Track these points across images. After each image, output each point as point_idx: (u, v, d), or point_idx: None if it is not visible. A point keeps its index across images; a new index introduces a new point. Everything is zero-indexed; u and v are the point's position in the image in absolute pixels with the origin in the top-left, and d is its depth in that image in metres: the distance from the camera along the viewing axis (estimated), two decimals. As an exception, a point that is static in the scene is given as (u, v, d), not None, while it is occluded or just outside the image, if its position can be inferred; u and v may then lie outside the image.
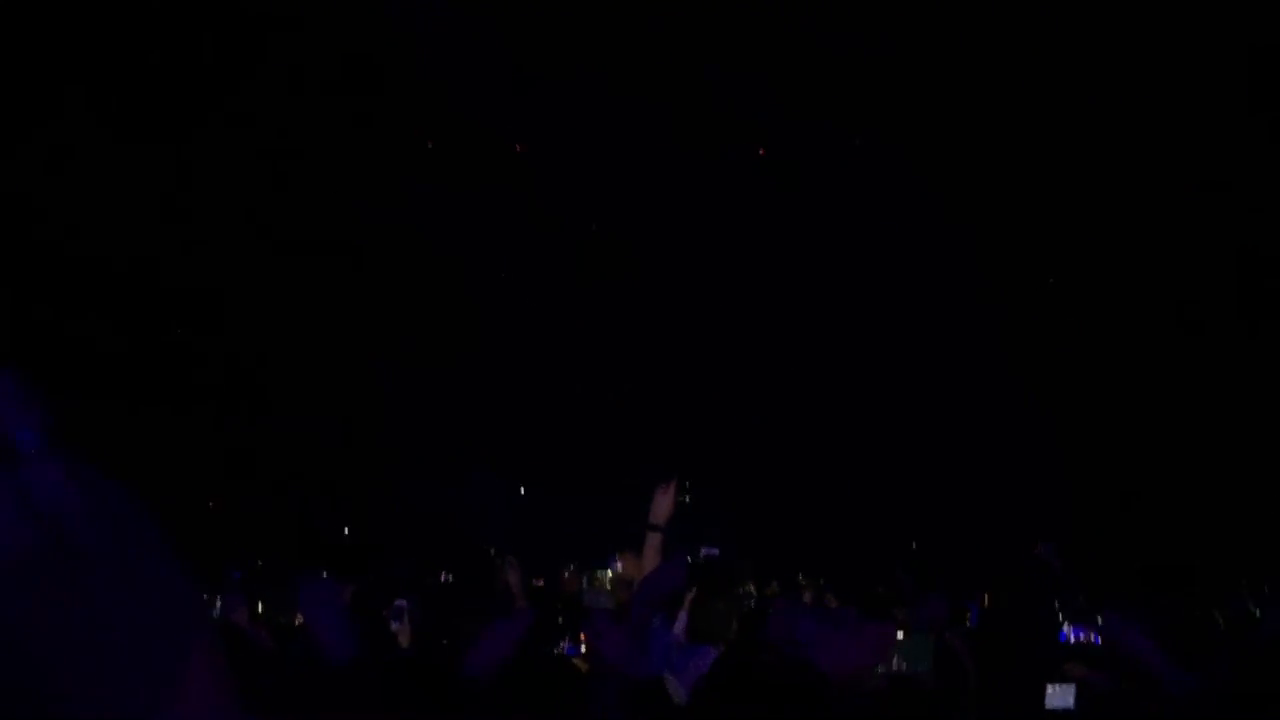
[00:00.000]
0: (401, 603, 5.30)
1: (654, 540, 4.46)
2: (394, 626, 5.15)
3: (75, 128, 13.94)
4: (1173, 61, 14.82)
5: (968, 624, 6.73)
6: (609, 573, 6.39)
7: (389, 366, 17.34)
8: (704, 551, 5.01)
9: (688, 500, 4.62)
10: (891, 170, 16.39)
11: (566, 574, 9.13)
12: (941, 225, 16.36)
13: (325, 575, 9.18)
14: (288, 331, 16.93)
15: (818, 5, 15.68)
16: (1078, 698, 3.19)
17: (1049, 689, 3.38)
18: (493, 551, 8.52)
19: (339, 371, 17.26)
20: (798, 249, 17.39)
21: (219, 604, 7.03)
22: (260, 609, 7.66)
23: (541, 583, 9.99)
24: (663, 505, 4.51)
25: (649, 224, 17.47)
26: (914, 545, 15.81)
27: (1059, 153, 16.23)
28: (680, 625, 4.33)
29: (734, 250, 17.43)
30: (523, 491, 18.83)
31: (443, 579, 11.03)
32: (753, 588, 8.47)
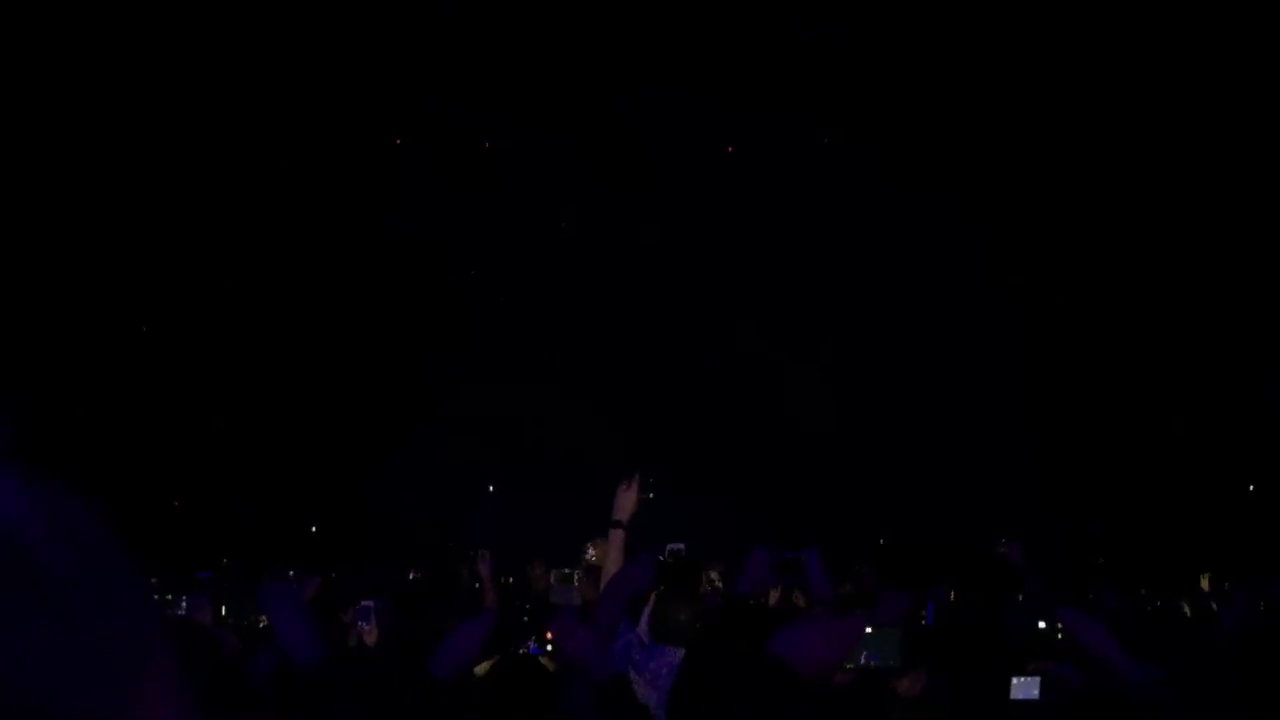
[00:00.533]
0: (369, 603, 5.26)
1: (616, 537, 4.45)
2: (361, 627, 5.11)
3: (43, 129, 13.81)
4: (1173, 61, 14.93)
5: (923, 621, 6.77)
6: (577, 572, 6.36)
7: (357, 364, 17.27)
8: (670, 547, 4.98)
9: (652, 497, 4.59)
10: (877, 166, 16.43)
11: (537, 570, 9.09)
12: (919, 219, 16.42)
13: (290, 574, 9.12)
14: (257, 329, 16.84)
15: (814, 4, 15.72)
16: (1043, 689, 3.22)
17: (1014, 681, 3.40)
18: (468, 550, 8.48)
19: (307, 369, 17.18)
20: (768, 241, 17.43)
21: (184, 604, 6.96)
22: (224, 611, 7.57)
23: (510, 580, 9.96)
24: (625, 502, 4.50)
25: (618, 220, 17.47)
26: (881, 542, 15.89)
27: (1056, 153, 16.33)
28: (643, 625, 4.33)
29: (703, 243, 17.46)
30: (491, 490, 18.80)
31: (410, 577, 11.00)
32: (716, 578, 8.48)
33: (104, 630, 0.64)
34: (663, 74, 16.19)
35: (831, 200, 16.75)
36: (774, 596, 8.31)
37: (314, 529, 17.72)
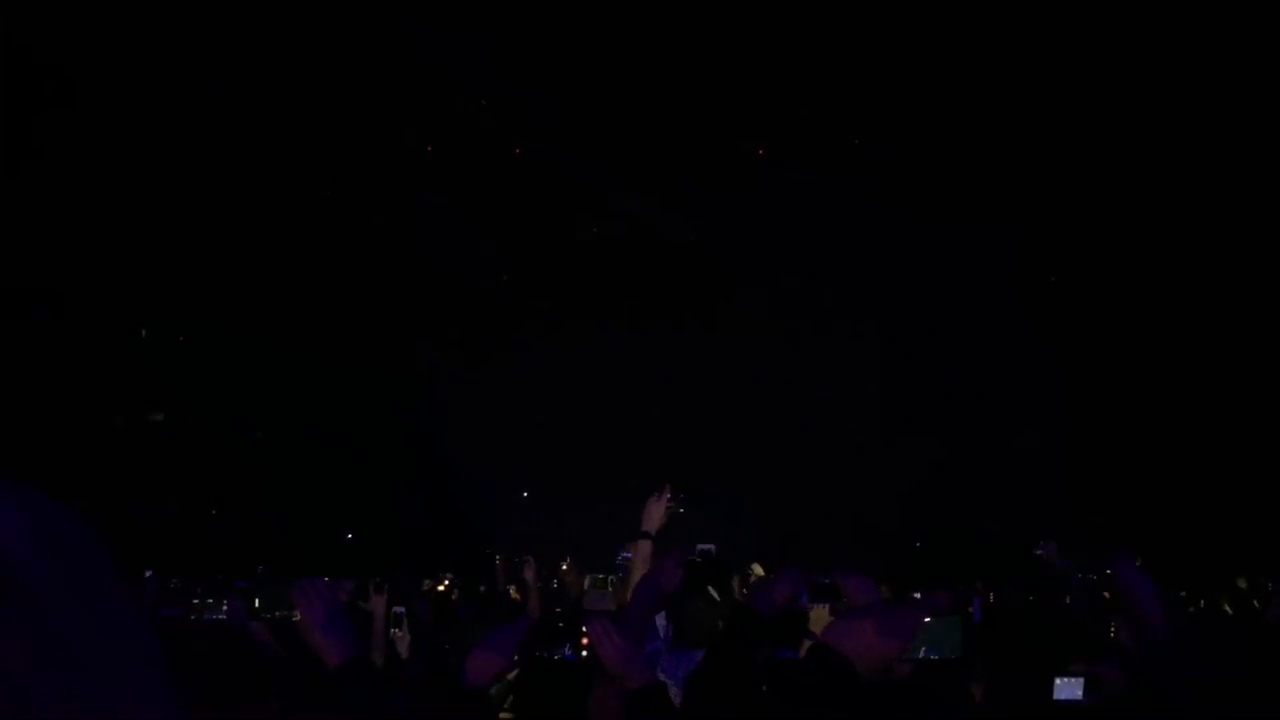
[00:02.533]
0: (400, 609, 5.25)
1: (644, 548, 4.41)
2: (393, 633, 5.10)
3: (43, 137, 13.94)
4: (1172, 61, 14.79)
5: (971, 617, 6.71)
6: (611, 577, 6.33)
7: (394, 373, 17.35)
8: (700, 548, 4.94)
9: (682, 511, 4.54)
10: (892, 170, 16.37)
11: (565, 567, 9.06)
12: (938, 226, 16.35)
13: (325, 579, 9.14)
14: (291, 338, 16.95)
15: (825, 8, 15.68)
16: (1086, 690, 3.17)
17: (1057, 681, 3.35)
18: (514, 558, 8.48)
19: (345, 378, 17.27)
20: (796, 249, 17.38)
21: (224, 607, 6.98)
22: (257, 604, 7.58)
23: (544, 585, 9.93)
24: (655, 512, 4.45)
25: (647, 232, 17.49)
26: (918, 545, 15.80)
27: (1058, 154, 16.21)
28: (665, 628, 4.29)
29: (730, 252, 17.43)
30: (525, 495, 18.83)
31: (445, 584, 11.00)
32: (736, 583, 8.44)
33: (89, 642, 0.63)
34: (693, 81, 16.20)
35: (864, 205, 16.69)
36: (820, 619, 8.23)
37: (349, 536, 17.81)
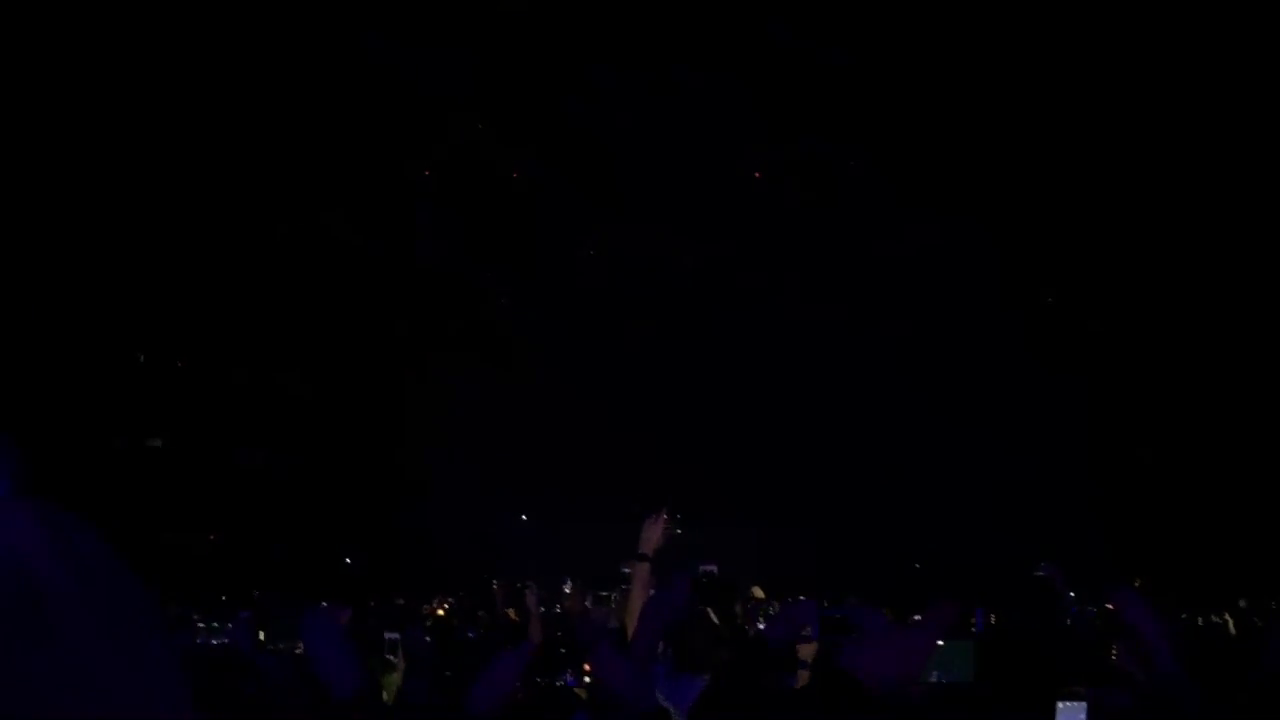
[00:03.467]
0: (393, 635, 5.22)
1: (642, 571, 4.39)
2: (388, 660, 5.08)
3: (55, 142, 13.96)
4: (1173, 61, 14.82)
5: (973, 629, 6.70)
6: (613, 594, 6.31)
7: (393, 397, 17.35)
8: (702, 568, 4.91)
9: (680, 532, 4.52)
10: (893, 176, 16.38)
11: (569, 592, 9.05)
12: (941, 235, 16.36)
13: (324, 604, 9.13)
14: (290, 362, 16.95)
15: (818, 15, 15.71)
16: (1090, 714, 3.17)
17: (1060, 705, 3.34)
18: (516, 583, 8.46)
19: (343, 402, 17.27)
20: (798, 268, 17.40)
21: (229, 630, 6.98)
22: (263, 636, 7.60)
23: (544, 610, 9.91)
24: (652, 534, 4.43)
25: (649, 244, 17.50)
26: (917, 566, 15.77)
27: (1057, 159, 16.22)
28: (663, 651, 4.27)
29: (732, 273, 17.45)
30: (524, 518, 18.80)
31: (444, 609, 10.98)
32: (737, 607, 8.39)
33: (111, 656, 0.64)
34: (689, 88, 16.23)
35: (861, 220, 16.71)
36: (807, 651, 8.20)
37: (347, 560, 17.76)
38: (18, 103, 13.05)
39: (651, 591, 4.19)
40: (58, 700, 0.62)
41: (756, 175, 17.77)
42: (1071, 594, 5.86)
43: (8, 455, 0.82)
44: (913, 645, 2.22)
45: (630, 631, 4.23)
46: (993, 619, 8.74)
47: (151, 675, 0.67)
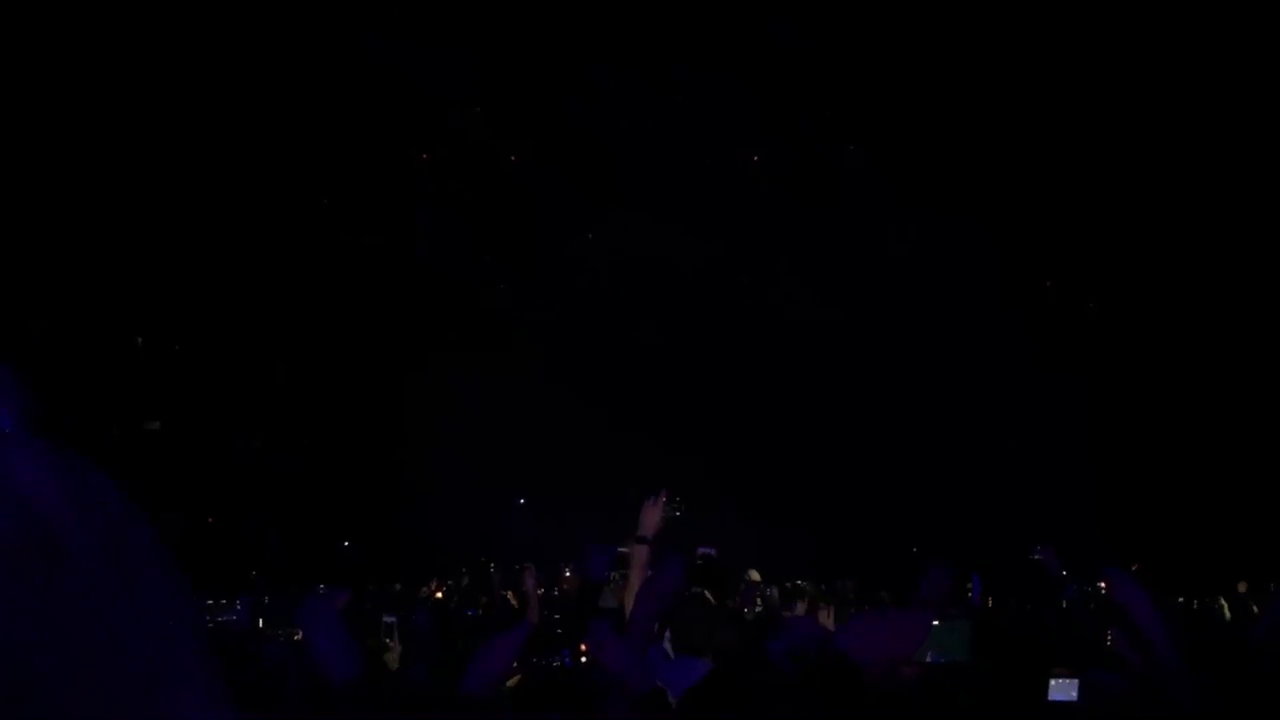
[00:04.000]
0: (390, 619, 5.23)
1: (641, 553, 4.40)
2: (384, 642, 5.08)
3: (69, 133, 13.95)
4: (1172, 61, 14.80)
5: (969, 594, 6.71)
6: (614, 574, 6.29)
7: (390, 381, 17.35)
8: (700, 551, 4.92)
9: (679, 515, 4.53)
10: (889, 174, 16.38)
11: (568, 575, 9.07)
12: (937, 231, 16.35)
13: (320, 588, 9.16)
14: (287, 347, 16.95)
15: (816, 10, 15.68)
16: (1081, 693, 3.19)
17: (1052, 683, 3.36)
18: (514, 565, 8.48)
19: (341, 386, 17.27)
20: (793, 252, 17.38)
21: (231, 614, 7.00)
22: (261, 624, 7.63)
23: (543, 592, 9.93)
24: (651, 517, 4.45)
25: (647, 234, 17.48)
26: (914, 550, 15.78)
27: (1058, 155, 16.21)
28: (665, 635, 4.28)
29: (725, 254, 17.43)
30: (522, 502, 18.82)
31: (442, 592, 11.00)
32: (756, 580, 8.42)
33: (123, 601, 0.64)
34: (689, 84, 16.21)
35: (865, 216, 16.71)
36: (802, 607, 8.24)
37: (345, 544, 17.79)
38: (17, 91, 13.02)
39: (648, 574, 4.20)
40: (66, 636, 0.61)
41: (754, 159, 17.75)
42: (1065, 574, 5.86)
43: (13, 391, 0.82)
44: (906, 625, 2.22)
45: (628, 613, 4.24)
46: (990, 602, 8.77)
47: (161, 615, 0.66)
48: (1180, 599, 11.41)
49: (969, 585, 6.41)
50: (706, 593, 5.01)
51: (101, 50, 13.58)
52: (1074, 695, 3.24)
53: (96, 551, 0.64)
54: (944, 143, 16.16)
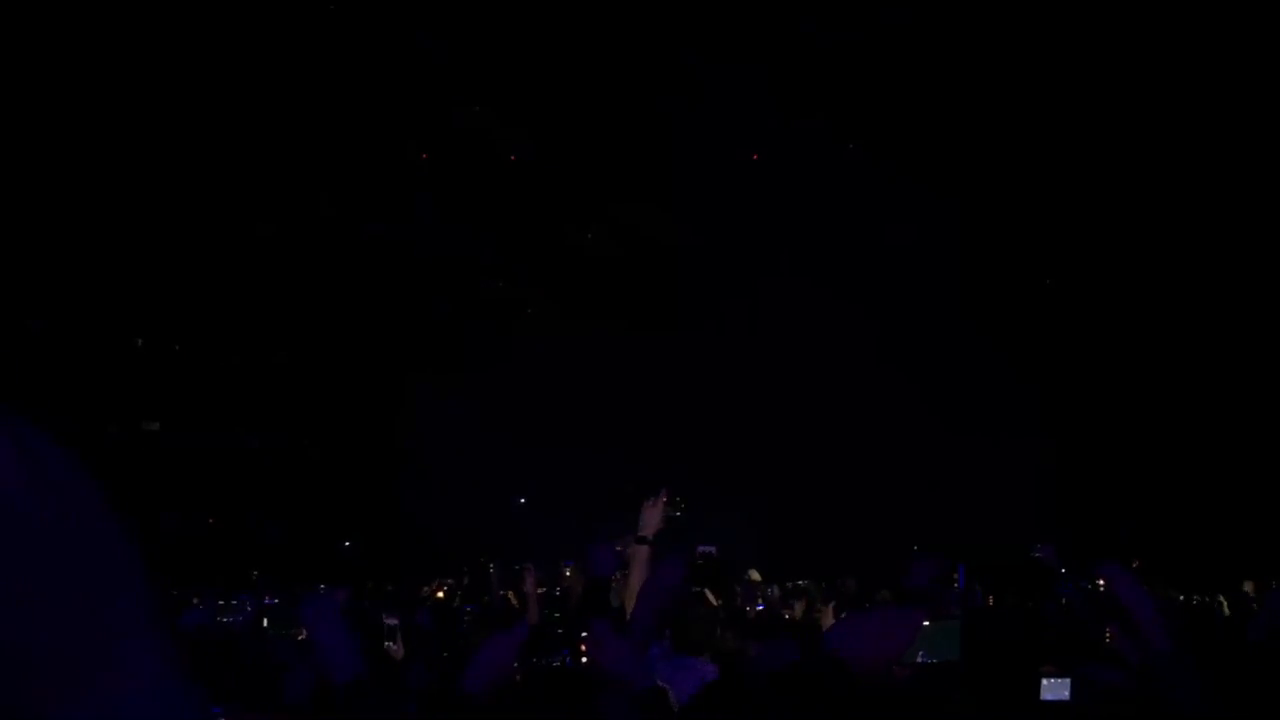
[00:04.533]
0: (393, 621, 5.23)
1: (641, 553, 4.41)
2: (387, 646, 5.08)
3: (65, 131, 13.94)
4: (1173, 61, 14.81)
5: (955, 585, 6.72)
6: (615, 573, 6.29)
7: (389, 380, 17.35)
8: (700, 549, 4.93)
9: (679, 515, 4.54)
10: (886, 171, 16.37)
11: (569, 574, 9.06)
12: (936, 228, 16.35)
13: (321, 588, 9.17)
14: (287, 345, 16.96)
15: (815, 6, 15.67)
16: (1074, 691, 3.19)
17: (1044, 682, 3.36)
18: (513, 565, 8.48)
19: (340, 384, 17.28)
20: (791, 254, 17.39)
21: (234, 617, 7.00)
22: (265, 623, 7.63)
23: (543, 591, 9.95)
24: (651, 517, 4.46)
25: (647, 228, 17.50)
26: (915, 548, 15.77)
27: (1056, 152, 16.21)
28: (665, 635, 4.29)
29: (724, 256, 17.43)
30: (522, 502, 18.82)
31: (443, 591, 11.00)
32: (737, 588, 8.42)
33: (81, 575, 0.63)
34: (687, 77, 16.20)
35: (852, 205, 16.70)
36: (799, 609, 8.25)
37: (346, 543, 17.80)
38: (15, 88, 13.03)
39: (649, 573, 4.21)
40: (26, 626, 0.60)
41: (754, 157, 17.75)
42: (1063, 571, 5.89)
43: None
44: (895, 624, 2.22)
45: (629, 613, 4.26)
46: (990, 601, 8.78)
47: (123, 596, 0.65)
48: (1180, 596, 11.41)
49: (955, 576, 6.43)
50: (707, 592, 5.03)
51: (99, 45, 13.59)
52: (1066, 695, 3.25)
53: (53, 523, 0.63)
54: (943, 140, 16.16)
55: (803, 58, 16.02)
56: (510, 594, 8.45)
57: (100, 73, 13.75)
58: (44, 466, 0.65)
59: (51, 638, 0.61)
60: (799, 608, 8.18)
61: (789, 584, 10.63)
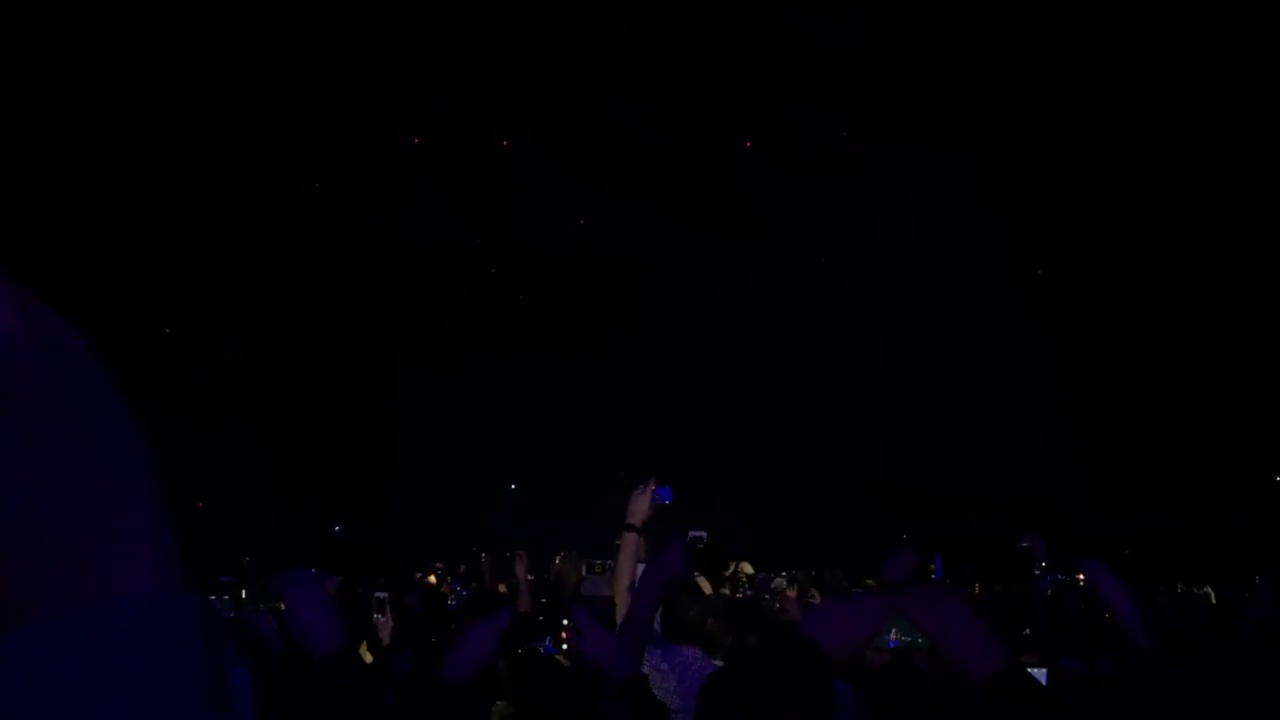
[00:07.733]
0: (383, 594, 5.22)
1: (629, 541, 4.43)
2: (375, 619, 5.08)
3: (72, 126, 13.91)
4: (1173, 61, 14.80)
5: (933, 574, 6.73)
6: (609, 563, 6.31)
7: (381, 367, 17.34)
8: (691, 534, 4.93)
9: (668, 504, 4.57)
10: (882, 159, 16.36)
11: (560, 560, 9.07)
12: (929, 222, 16.36)
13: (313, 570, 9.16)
14: (279, 331, 16.93)
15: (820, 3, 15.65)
16: (1050, 681, 3.21)
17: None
18: (505, 552, 8.49)
19: (333, 371, 17.26)
20: (784, 245, 17.38)
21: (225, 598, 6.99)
22: (244, 595, 7.62)
23: (532, 578, 9.97)
24: (639, 506, 4.48)
25: (638, 223, 17.47)
26: (904, 536, 15.82)
27: (1055, 148, 16.21)
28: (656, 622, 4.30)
29: (717, 247, 17.43)
30: (513, 488, 18.85)
31: (434, 577, 11.00)
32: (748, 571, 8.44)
33: (83, 450, 0.61)
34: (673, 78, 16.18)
35: (854, 202, 16.71)
36: (792, 594, 8.28)
37: (336, 529, 17.81)
38: (11, 75, 12.99)
39: (642, 562, 4.22)
40: (28, 495, 0.58)
41: (747, 145, 17.74)
42: (1045, 565, 5.90)
43: None
44: (864, 608, 2.24)
45: (619, 601, 4.27)
46: (977, 589, 8.82)
47: (129, 481, 0.63)
48: (1161, 586, 11.45)
49: (932, 566, 6.47)
50: (699, 577, 5.03)
51: (95, 39, 13.55)
52: (1043, 683, 3.26)
53: (55, 396, 0.61)
54: (941, 136, 16.15)
55: (801, 55, 16.00)
56: (502, 586, 8.45)
57: (95, 66, 13.72)
58: (53, 344, 0.63)
59: (55, 513, 0.58)
60: (787, 588, 8.19)
61: (781, 575, 10.64)
